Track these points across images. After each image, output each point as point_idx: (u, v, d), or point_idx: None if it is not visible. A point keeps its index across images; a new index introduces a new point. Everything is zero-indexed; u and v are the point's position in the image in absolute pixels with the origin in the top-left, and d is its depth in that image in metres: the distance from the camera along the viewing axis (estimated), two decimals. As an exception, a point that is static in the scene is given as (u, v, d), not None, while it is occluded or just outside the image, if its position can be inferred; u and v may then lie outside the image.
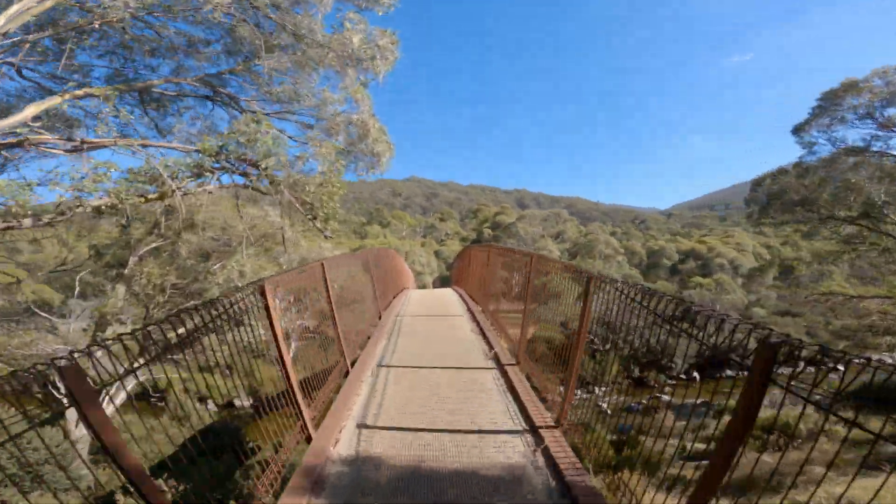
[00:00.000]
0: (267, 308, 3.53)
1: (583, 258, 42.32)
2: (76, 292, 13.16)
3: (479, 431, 4.07)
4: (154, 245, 9.53)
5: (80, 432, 8.86)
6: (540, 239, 41.73)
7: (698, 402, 22.06)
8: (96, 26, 6.26)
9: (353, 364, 5.73)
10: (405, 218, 79.34)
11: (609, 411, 20.04)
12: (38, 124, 5.96)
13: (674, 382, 24.12)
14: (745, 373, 1.90)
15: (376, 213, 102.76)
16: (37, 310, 12.61)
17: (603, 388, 23.74)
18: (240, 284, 8.73)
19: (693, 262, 34.74)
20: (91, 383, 1.80)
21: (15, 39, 6.19)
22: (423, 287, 45.23)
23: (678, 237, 61.56)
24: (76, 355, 1.72)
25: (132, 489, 1.98)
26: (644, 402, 22.41)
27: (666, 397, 21.59)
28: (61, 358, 1.64)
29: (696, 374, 23.89)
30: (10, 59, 6.52)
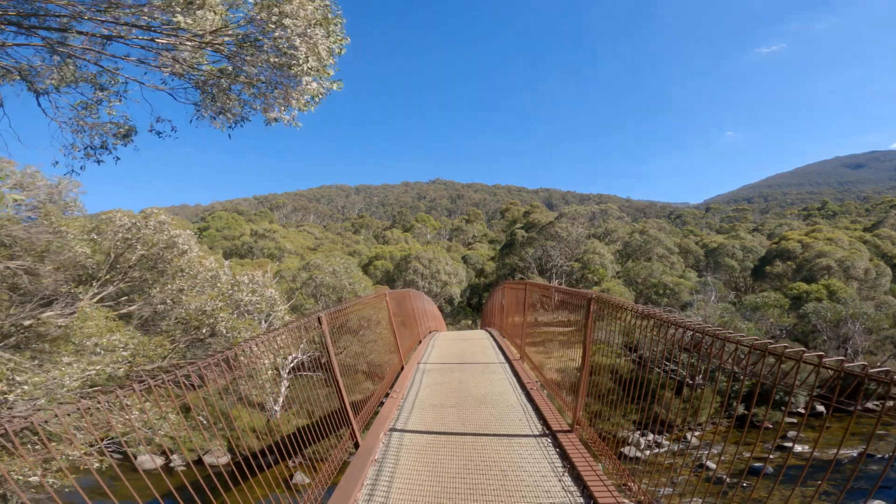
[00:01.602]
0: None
1: (636, 260, 36.16)
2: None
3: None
4: None
5: None
6: (586, 240, 35.79)
7: (857, 453, 16.00)
8: None
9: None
10: (429, 221, 74.39)
11: (724, 475, 13.73)
12: None
13: (791, 420, 18.08)
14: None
15: (399, 217, 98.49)
16: None
17: (696, 433, 17.67)
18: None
19: (780, 262, 28.18)
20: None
21: None
22: (451, 300, 40.03)
23: (738, 233, 54.39)
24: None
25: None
26: (770, 455, 16.38)
27: (799, 447, 15.51)
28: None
29: (821, 407, 17.78)
30: None
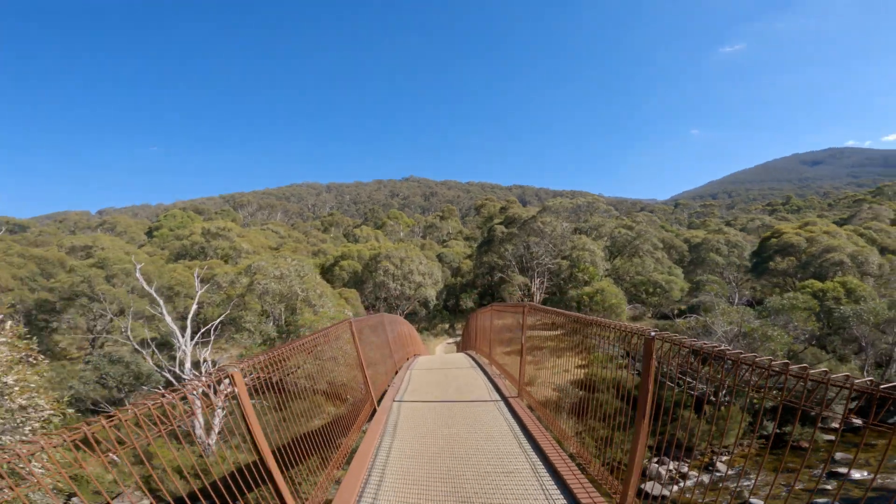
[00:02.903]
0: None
1: (625, 258, 33.81)
2: None
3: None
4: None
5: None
6: (572, 236, 33.10)
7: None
8: None
9: None
10: (402, 218, 70.73)
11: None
12: None
13: (829, 438, 15.60)
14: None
15: (371, 214, 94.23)
16: None
17: (725, 457, 14.89)
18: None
19: (780, 257, 26.23)
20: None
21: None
22: (426, 302, 36.71)
23: (721, 227, 53.27)
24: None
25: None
26: (827, 485, 13.51)
27: (858, 474, 12.79)
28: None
29: (858, 421, 15.27)
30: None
